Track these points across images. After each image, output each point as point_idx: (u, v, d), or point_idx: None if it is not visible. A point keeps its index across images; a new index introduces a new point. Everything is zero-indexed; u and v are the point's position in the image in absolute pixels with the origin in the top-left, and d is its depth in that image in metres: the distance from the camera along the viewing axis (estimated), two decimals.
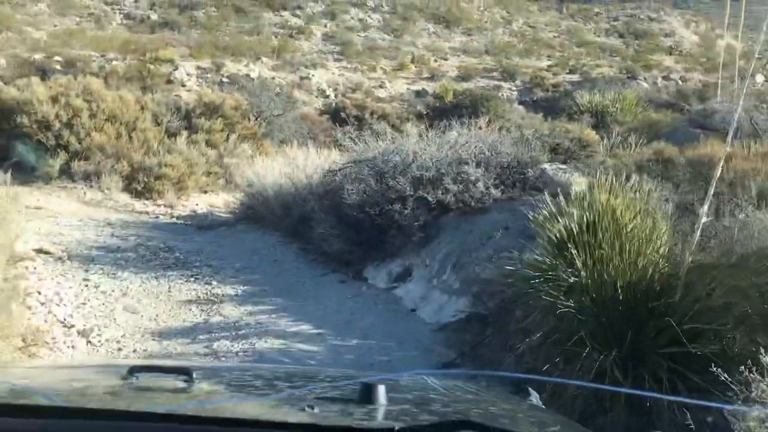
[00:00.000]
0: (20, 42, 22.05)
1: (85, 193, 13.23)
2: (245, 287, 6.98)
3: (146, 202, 13.59)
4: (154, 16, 33.00)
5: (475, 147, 7.51)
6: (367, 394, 1.34)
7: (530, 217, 5.40)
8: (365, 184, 7.73)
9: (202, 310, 6.28)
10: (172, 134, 16.01)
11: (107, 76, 18.92)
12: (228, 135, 16.99)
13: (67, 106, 14.72)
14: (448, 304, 6.02)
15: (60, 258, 7.61)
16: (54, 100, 14.89)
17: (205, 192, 15.07)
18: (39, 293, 6.20)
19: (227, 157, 16.03)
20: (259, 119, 18.88)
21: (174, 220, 11.86)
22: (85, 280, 6.87)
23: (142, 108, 16.38)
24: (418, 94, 28.23)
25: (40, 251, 7.63)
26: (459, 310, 5.83)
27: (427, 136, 7.89)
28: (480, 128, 8.18)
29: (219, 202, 13.88)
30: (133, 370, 1.53)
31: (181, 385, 1.48)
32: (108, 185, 13.51)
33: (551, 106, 25.10)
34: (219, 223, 11.08)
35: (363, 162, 8.00)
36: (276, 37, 33.56)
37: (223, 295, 6.68)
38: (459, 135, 7.73)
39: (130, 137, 14.95)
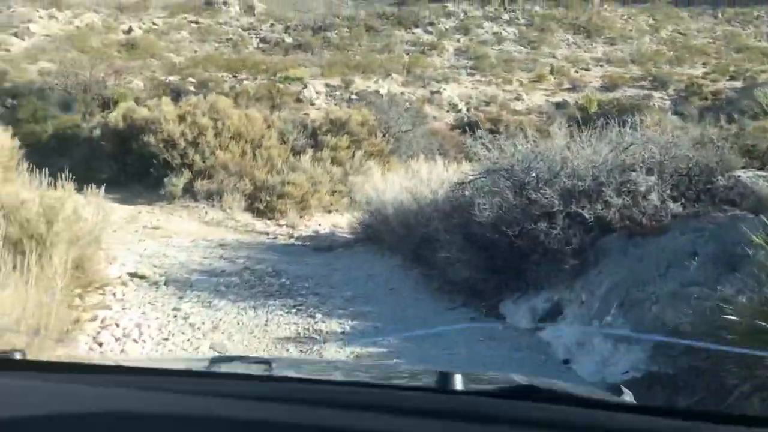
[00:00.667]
0: (159, 66, 22.74)
1: (206, 212, 12.79)
2: (354, 322, 5.76)
3: (267, 221, 12.93)
4: (288, 39, 33.45)
5: (644, 150, 5.85)
6: (443, 383, 1.31)
7: (741, 238, 3.76)
8: (501, 197, 6.30)
9: (301, 351, 5.12)
10: (297, 152, 15.41)
11: (237, 95, 18.86)
12: (354, 152, 16.16)
13: (193, 125, 14.50)
14: (615, 357, 4.44)
15: (156, 283, 6.82)
16: (181, 119, 14.73)
17: (329, 211, 14.23)
18: (117, 325, 5.33)
19: (353, 175, 15.11)
20: (386, 135, 17.96)
21: (292, 240, 11.01)
22: (175, 309, 5.97)
23: (269, 126, 15.94)
24: (559, 105, 26.26)
25: (135, 275, 6.88)
26: (633, 367, 4.24)
27: (579, 137, 6.32)
28: (648, 127, 6.53)
29: (343, 221, 12.91)
30: (215, 361, 1.60)
31: (262, 372, 1.53)
32: (229, 204, 13.00)
33: (715, 115, 22.25)
34: (337, 244, 10.06)
35: (498, 171, 6.57)
36: (407, 54, 32.90)
37: (327, 332, 5.50)
38: (622, 134, 6.10)
39: (255, 155, 14.48)
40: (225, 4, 41.40)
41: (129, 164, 14.59)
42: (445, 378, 1.31)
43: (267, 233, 11.85)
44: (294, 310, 6.09)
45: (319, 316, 5.90)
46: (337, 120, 17.31)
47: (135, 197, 13.86)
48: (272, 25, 35.87)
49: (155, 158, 13.88)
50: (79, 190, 13.98)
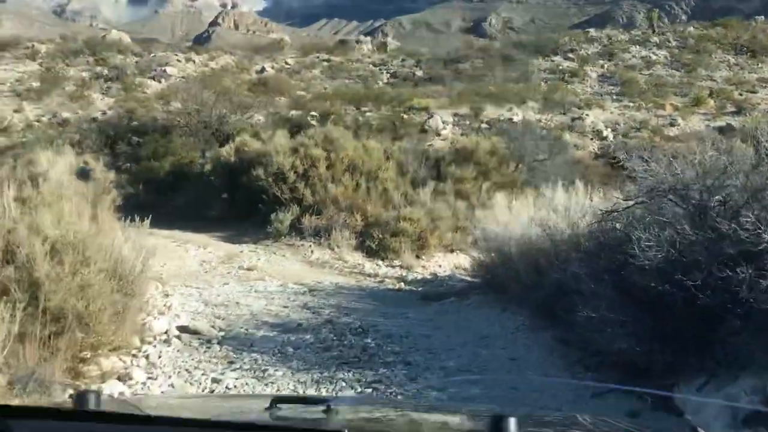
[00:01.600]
0: (285, 103, 22.31)
1: (312, 251, 11.48)
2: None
3: (379, 262, 11.38)
4: (419, 73, 32.42)
5: None
6: (496, 427, 1.29)
7: None
8: (672, 230, 4.27)
9: None
10: (417, 185, 13.86)
11: (359, 127, 17.78)
12: (481, 184, 14.35)
13: (306, 157, 13.40)
14: None
15: (209, 340, 5.39)
16: (294, 151, 13.71)
17: (451, 250, 12.44)
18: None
19: (479, 209, 13.24)
20: (519, 165, 16.00)
21: (401, 285, 9.35)
22: (215, 381, 4.46)
23: (387, 157, 14.54)
24: (722, 130, 22.90)
25: (186, 330, 5.48)
26: None
27: None
28: None
29: (466, 262, 11.08)
30: (275, 401, 1.62)
31: (319, 415, 1.54)
32: (338, 242, 11.62)
33: None
34: (452, 291, 8.24)
35: (666, 192, 4.53)
36: (545, 82, 30.75)
37: None
38: None
39: (369, 189, 13.08)
40: (358, 42, 41.41)
41: (238, 200, 13.73)
42: (498, 422, 1.30)
43: (375, 276, 10.28)
44: (370, 389, 4.35)
45: (401, 400, 4.13)
46: (464, 149, 15.60)
47: (242, 235, 12.91)
48: (403, 60, 35.08)
49: (264, 193, 12.87)
50: (186, 227, 13.19)
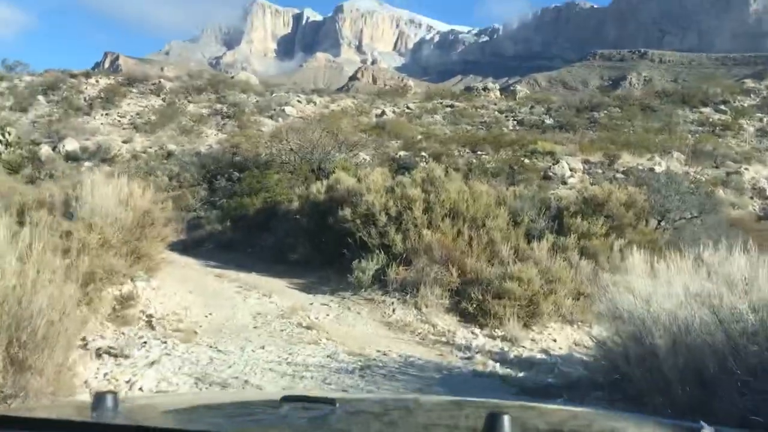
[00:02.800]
0: (397, 145, 20.74)
1: (393, 309, 9.46)
2: None
3: (476, 330, 9.13)
4: (548, 121, 29.98)
5: None
6: (491, 425, 1.34)
7: None
8: None
9: None
10: (532, 237, 11.53)
11: (470, 170, 15.76)
12: (612, 241, 11.77)
13: (401, 198, 11.53)
14: None
15: None
16: (389, 190, 11.89)
17: (570, 322, 9.97)
18: None
19: (609, 273, 10.65)
20: (661, 222, 13.24)
21: (494, 367, 7.05)
22: None
23: (500, 203, 12.35)
24: None
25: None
26: None
27: None
28: None
29: (589, 339, 8.60)
30: (284, 400, 1.74)
31: (326, 413, 1.63)
32: (426, 301, 9.53)
33: None
34: (563, 385, 5.88)
35: None
36: (691, 134, 27.32)
37: None
38: None
39: (471, 239, 10.93)
40: (485, 89, 39.64)
41: (325, 243, 12.04)
42: (492, 419, 1.36)
43: (466, 348, 8.04)
44: None
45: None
46: (593, 199, 13.07)
47: (321, 283, 11.16)
48: (532, 107, 32.77)
49: (351, 237, 11.09)
50: (267, 270, 11.57)
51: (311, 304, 9.55)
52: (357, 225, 11.14)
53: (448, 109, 32.29)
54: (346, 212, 11.32)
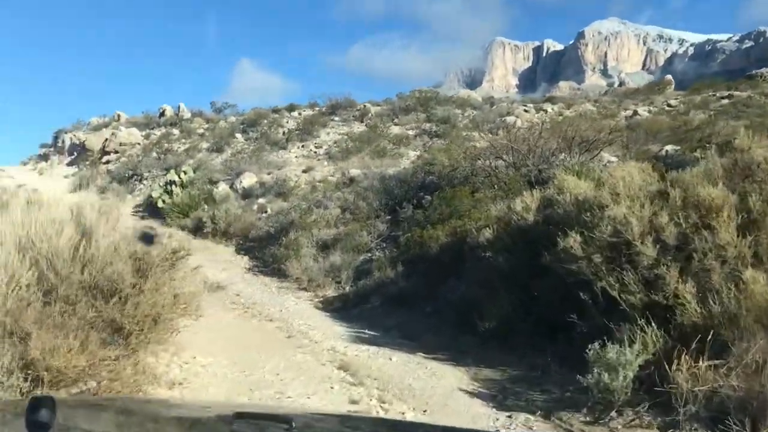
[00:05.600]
0: (660, 140, 14.45)
1: None
2: None
3: None
4: None
5: None
6: None
7: None
8: None
9: None
10: None
11: None
12: None
13: (686, 208, 5.71)
14: None
15: None
16: (659, 196, 6.10)
17: None
18: None
19: None
20: None
21: None
22: None
23: None
24: None
25: None
26: None
27: None
28: None
29: None
30: (236, 416, 1.60)
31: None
32: None
33: None
34: None
35: None
36: None
37: None
38: None
39: None
40: None
41: (535, 299, 6.63)
42: None
43: None
44: None
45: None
46: None
47: (529, 382, 5.75)
48: None
49: (585, 288, 5.56)
50: (441, 347, 6.72)
51: (511, 428, 4.26)
52: (595, 265, 5.60)
53: (725, 101, 24.44)
54: (574, 241, 5.81)
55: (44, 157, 31.79)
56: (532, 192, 8.21)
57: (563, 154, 11.88)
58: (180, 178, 18.33)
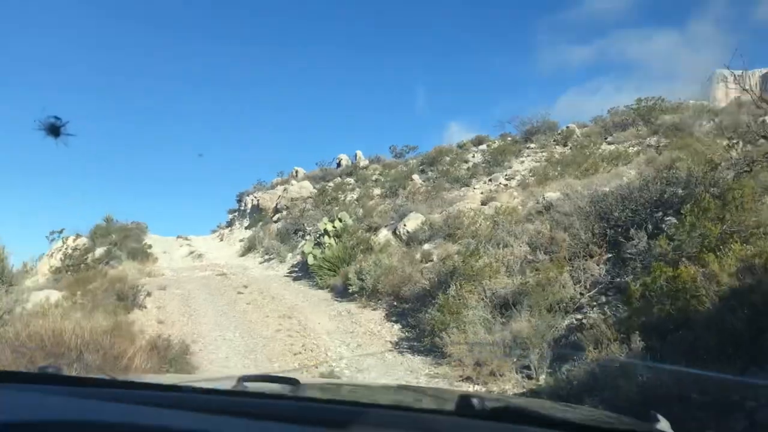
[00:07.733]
0: None
1: None
2: None
3: None
4: None
5: None
6: (463, 407, 1.29)
7: None
8: None
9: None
10: None
11: None
12: None
13: None
14: None
15: None
16: None
17: None
18: None
19: None
20: None
21: None
22: None
23: None
24: None
25: None
26: None
27: None
28: None
29: None
30: (243, 379, 1.61)
31: (287, 392, 1.52)
32: None
33: None
34: None
35: None
36: None
37: None
38: None
39: None
40: None
41: None
42: (466, 401, 1.29)
43: None
44: None
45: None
46: None
47: None
48: None
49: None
50: None
51: None
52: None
53: None
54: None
55: (231, 223, 30.87)
56: None
57: None
58: (334, 226, 15.07)
